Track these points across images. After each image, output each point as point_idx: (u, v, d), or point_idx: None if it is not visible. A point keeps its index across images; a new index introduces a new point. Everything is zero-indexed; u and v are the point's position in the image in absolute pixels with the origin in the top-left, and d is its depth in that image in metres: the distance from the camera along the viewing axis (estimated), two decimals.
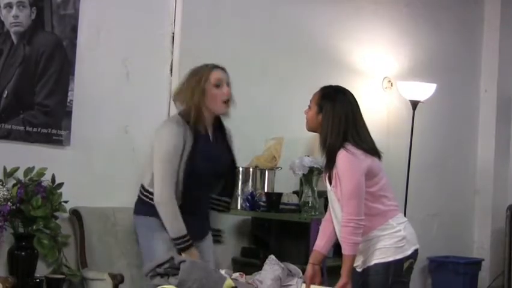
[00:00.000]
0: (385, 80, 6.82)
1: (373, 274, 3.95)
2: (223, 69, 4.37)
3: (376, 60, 7.04)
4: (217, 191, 4.55)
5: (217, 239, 4.61)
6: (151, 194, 4.36)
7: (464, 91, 8.36)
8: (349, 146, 3.88)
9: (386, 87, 6.68)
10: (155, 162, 4.31)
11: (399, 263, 3.89)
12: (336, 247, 5.77)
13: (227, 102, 4.32)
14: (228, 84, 4.33)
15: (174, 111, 5.44)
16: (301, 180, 4.96)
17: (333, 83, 6.62)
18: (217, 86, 4.28)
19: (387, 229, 3.92)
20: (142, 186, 4.48)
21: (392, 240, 3.91)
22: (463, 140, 8.20)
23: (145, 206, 4.37)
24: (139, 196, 4.49)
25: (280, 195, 5.03)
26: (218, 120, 4.49)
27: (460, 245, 7.79)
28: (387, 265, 3.90)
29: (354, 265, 3.99)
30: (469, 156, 8.41)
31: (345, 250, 3.90)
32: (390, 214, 3.93)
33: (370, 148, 3.96)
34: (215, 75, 4.29)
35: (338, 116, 3.95)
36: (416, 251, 3.94)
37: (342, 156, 3.87)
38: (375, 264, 3.94)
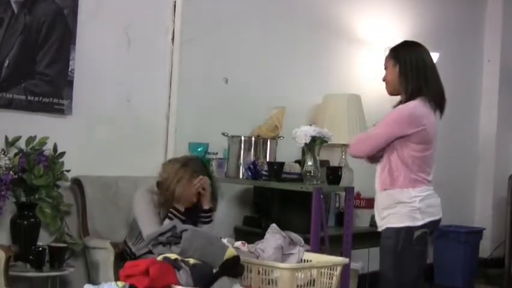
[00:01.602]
0: (387, 49, 6.73)
1: (385, 237, 4.06)
2: (210, 175, 4.56)
3: (378, 30, 7.01)
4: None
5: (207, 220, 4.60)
6: (131, 251, 4.50)
7: (467, 61, 8.34)
8: (420, 104, 3.95)
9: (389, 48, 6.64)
10: (138, 219, 4.44)
11: (409, 230, 3.96)
12: (337, 217, 5.84)
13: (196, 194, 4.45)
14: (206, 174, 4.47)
15: (175, 78, 5.45)
16: (303, 149, 4.94)
17: (335, 53, 6.69)
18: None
19: (405, 197, 3.97)
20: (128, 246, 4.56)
21: (406, 209, 3.97)
22: (465, 110, 8.20)
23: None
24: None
25: (282, 164, 5.02)
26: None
27: (462, 214, 7.81)
28: (397, 230, 3.99)
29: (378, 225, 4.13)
30: (471, 126, 8.42)
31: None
32: (414, 184, 3.98)
33: (437, 103, 4.02)
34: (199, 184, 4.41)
35: (413, 65, 4.02)
36: (431, 223, 3.98)
37: (405, 107, 3.96)
38: (387, 228, 4.05)
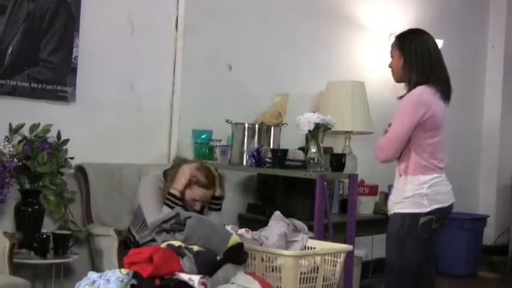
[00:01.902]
0: (391, 36, 6.68)
1: (391, 222, 4.06)
2: (209, 180, 4.39)
3: (382, 16, 6.99)
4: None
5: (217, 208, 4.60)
6: (135, 239, 4.49)
7: (471, 47, 8.32)
8: (426, 90, 3.94)
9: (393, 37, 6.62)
10: (142, 206, 4.43)
11: (415, 216, 3.94)
12: (341, 204, 5.85)
13: (198, 201, 4.36)
14: (205, 186, 4.34)
15: (179, 66, 5.44)
16: (307, 136, 4.92)
17: (338, 40, 6.67)
18: (189, 186, 4.32)
19: (415, 183, 3.97)
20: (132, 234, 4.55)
21: (414, 194, 3.96)
22: (470, 97, 8.19)
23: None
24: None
25: (285, 151, 5.01)
26: None
27: (466, 201, 7.81)
28: (403, 216, 3.98)
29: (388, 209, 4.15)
30: (475, 114, 8.41)
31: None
32: (425, 171, 3.97)
33: (443, 91, 4.01)
34: (196, 192, 4.33)
35: (418, 54, 3.99)
36: (439, 210, 3.96)
37: (413, 95, 3.96)
38: (394, 214, 4.05)
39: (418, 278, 4.01)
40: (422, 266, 4.02)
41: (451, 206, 4.07)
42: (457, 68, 7.52)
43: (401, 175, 4.05)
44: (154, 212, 4.29)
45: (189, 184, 4.32)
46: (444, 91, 3.99)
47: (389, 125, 4.10)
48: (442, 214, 4.00)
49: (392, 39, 4.21)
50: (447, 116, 4.06)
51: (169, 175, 4.45)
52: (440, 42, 6.47)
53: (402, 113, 3.98)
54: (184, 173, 4.33)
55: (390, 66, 4.14)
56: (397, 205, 4.05)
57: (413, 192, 3.96)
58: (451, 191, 4.07)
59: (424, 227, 3.94)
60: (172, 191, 4.32)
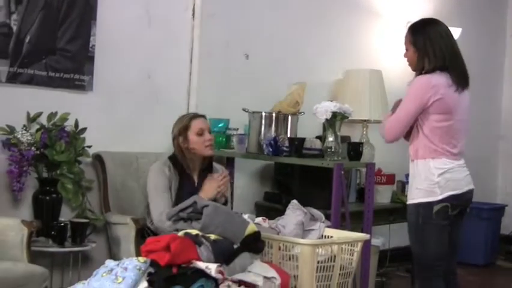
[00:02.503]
0: (408, 24, 6.67)
1: (408, 214, 4.06)
2: (203, 116, 4.66)
3: (399, 4, 6.95)
4: None
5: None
6: (149, 229, 4.49)
7: (490, 36, 8.26)
8: (438, 74, 3.94)
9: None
10: (148, 195, 4.49)
11: (428, 205, 3.94)
12: (358, 193, 5.83)
13: (209, 146, 4.56)
14: (209, 131, 4.61)
15: (196, 55, 5.44)
16: (324, 125, 4.91)
17: (356, 28, 6.64)
18: (200, 134, 4.53)
19: (426, 168, 3.97)
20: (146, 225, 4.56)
21: (425, 184, 3.96)
22: (488, 85, 8.13)
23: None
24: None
25: (303, 140, 5.00)
26: (207, 163, 4.64)
27: (484, 190, 7.76)
28: (417, 206, 3.99)
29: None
30: (493, 102, 8.36)
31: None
32: (434, 155, 3.97)
33: (460, 80, 3.99)
34: (196, 124, 4.55)
35: (430, 44, 3.98)
36: (452, 197, 3.95)
37: (421, 77, 3.98)
38: (409, 205, 4.06)
39: (441, 267, 4.01)
40: (445, 254, 4.02)
41: (468, 193, 4.05)
42: (475, 57, 7.52)
43: (412, 160, 4.06)
44: (161, 202, 4.36)
45: (199, 134, 4.51)
46: (460, 78, 3.97)
47: (395, 104, 4.13)
48: (458, 201, 3.99)
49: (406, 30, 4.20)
50: (465, 103, 4.03)
51: (174, 143, 4.55)
52: (458, 31, 6.49)
53: (410, 93, 4.00)
54: (193, 130, 4.51)
55: (405, 56, 4.13)
56: (410, 195, 4.06)
57: (425, 181, 3.96)
58: (467, 178, 4.06)
59: (440, 215, 3.94)
60: (189, 171, 4.50)
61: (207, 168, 4.62)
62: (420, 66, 4.01)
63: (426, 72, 3.95)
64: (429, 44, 3.97)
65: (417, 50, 4.01)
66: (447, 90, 3.92)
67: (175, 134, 4.55)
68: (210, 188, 4.45)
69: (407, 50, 4.11)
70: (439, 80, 3.91)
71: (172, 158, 4.55)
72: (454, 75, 3.94)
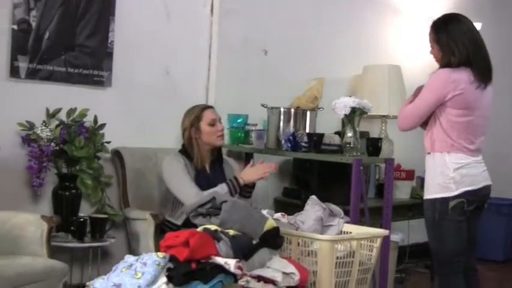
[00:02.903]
0: (429, 19, 6.62)
1: (425, 209, 4.06)
2: (212, 107, 4.74)
3: (420, 0, 6.91)
4: None
5: (248, 195, 4.66)
6: (170, 223, 4.51)
7: (510, 30, 8.18)
8: (460, 69, 3.92)
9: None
10: (169, 185, 4.52)
11: (444, 201, 3.94)
12: (377, 188, 5.81)
13: (221, 136, 4.63)
14: (220, 121, 4.68)
15: (214, 50, 5.43)
16: (343, 120, 4.89)
17: (375, 23, 6.60)
18: (212, 124, 4.60)
19: (441, 163, 3.96)
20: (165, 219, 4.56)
21: (441, 178, 3.95)
22: (507, 80, 8.06)
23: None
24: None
25: (321, 135, 4.98)
26: (217, 153, 4.72)
27: (504, 186, 7.70)
28: (433, 202, 3.99)
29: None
30: None
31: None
32: (450, 149, 3.96)
33: (484, 74, 3.97)
34: (208, 115, 4.62)
35: (454, 39, 3.96)
36: (468, 192, 3.93)
37: (442, 70, 3.96)
38: (425, 200, 4.06)
39: (460, 263, 3.99)
40: (463, 250, 4.00)
41: (485, 189, 4.04)
42: (495, 51, 7.45)
43: (428, 153, 4.05)
44: (186, 183, 4.41)
45: (211, 125, 4.59)
46: (484, 73, 3.95)
47: (417, 90, 4.12)
48: (474, 196, 3.97)
49: (429, 23, 4.17)
50: (487, 99, 4.01)
51: (184, 136, 4.60)
52: (477, 26, 6.41)
53: (430, 85, 3.99)
54: (205, 121, 4.58)
55: (431, 53, 4.12)
56: (426, 190, 4.06)
57: (440, 176, 3.95)
58: (484, 173, 4.04)
59: (456, 210, 3.93)
60: (202, 161, 4.58)
61: (217, 158, 4.68)
62: (445, 63, 3.98)
63: (451, 67, 3.93)
64: (452, 41, 3.95)
65: (441, 47, 3.99)
66: (468, 86, 3.90)
67: (186, 125, 4.60)
68: (253, 172, 4.52)
69: (432, 47, 4.09)
70: (460, 75, 3.89)
71: (183, 151, 4.60)
72: (477, 70, 3.92)
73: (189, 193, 4.34)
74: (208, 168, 4.63)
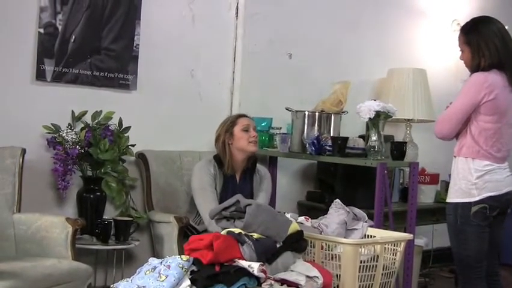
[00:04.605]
0: (454, 22, 6.68)
1: (447, 214, 4.04)
2: (248, 116, 4.73)
3: (445, 2, 6.86)
4: None
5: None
6: (193, 228, 4.52)
7: None
8: (495, 72, 3.88)
9: (455, 30, 6.50)
10: (193, 194, 4.53)
11: (466, 206, 3.91)
12: (402, 192, 5.76)
13: (254, 142, 4.61)
14: (254, 129, 4.68)
15: (239, 53, 5.45)
16: (367, 124, 4.86)
17: (400, 26, 6.56)
18: (245, 130, 4.60)
19: (465, 168, 3.93)
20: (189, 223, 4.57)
21: (463, 183, 3.93)
22: None
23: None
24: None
25: (346, 139, 4.96)
26: (251, 163, 4.70)
27: None
28: (455, 207, 3.97)
29: None
30: None
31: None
32: (476, 155, 3.92)
33: None
34: (242, 121, 4.64)
35: (484, 43, 3.92)
36: (490, 198, 3.90)
37: (477, 74, 3.90)
38: (448, 204, 4.03)
39: (482, 268, 3.96)
40: (485, 255, 3.97)
41: (508, 194, 3.98)
42: None
43: (455, 156, 4.02)
44: (205, 201, 4.40)
45: (245, 130, 4.60)
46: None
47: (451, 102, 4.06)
48: (497, 202, 3.93)
49: (455, 26, 4.13)
50: None
51: (218, 142, 4.61)
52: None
53: (465, 89, 3.93)
54: (239, 126, 4.59)
55: (461, 58, 4.07)
56: (449, 193, 4.03)
57: (462, 181, 3.92)
58: (508, 179, 3.99)
59: (478, 215, 3.90)
60: (234, 165, 4.60)
61: (249, 169, 4.64)
62: (475, 66, 3.93)
63: (483, 70, 3.89)
64: (483, 43, 3.90)
65: (472, 49, 3.94)
66: (501, 91, 3.86)
67: (221, 131, 4.60)
68: None
69: (462, 51, 4.03)
70: (495, 79, 3.84)
71: (217, 157, 4.58)
72: (510, 73, 3.89)
73: (205, 216, 4.30)
74: (238, 177, 4.62)
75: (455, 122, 3.93)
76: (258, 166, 4.74)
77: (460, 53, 4.08)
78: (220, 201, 4.30)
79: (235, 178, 4.60)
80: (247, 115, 4.72)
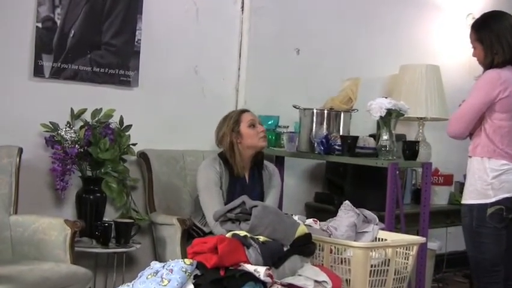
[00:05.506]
0: (469, 16, 6.57)
1: (462, 216, 4.06)
2: (249, 110, 4.66)
3: None
4: None
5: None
6: (198, 228, 4.48)
7: None
8: (508, 68, 3.89)
9: (469, 25, 6.42)
10: (199, 194, 4.47)
11: (482, 207, 3.91)
12: (414, 194, 5.72)
13: (263, 137, 4.57)
14: (260, 123, 4.62)
15: (245, 49, 5.41)
16: (378, 123, 4.86)
17: (412, 21, 6.51)
18: (252, 126, 4.53)
19: (481, 168, 3.92)
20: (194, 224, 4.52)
21: (479, 184, 3.92)
22: None
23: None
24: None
25: (356, 138, 4.93)
26: (258, 159, 4.62)
27: None
28: (470, 208, 3.98)
29: None
30: None
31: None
32: (491, 154, 3.91)
33: None
34: (247, 117, 4.56)
35: (496, 38, 3.92)
36: (507, 199, 3.89)
37: (490, 71, 3.90)
38: (463, 206, 4.04)
39: (499, 272, 3.96)
40: (502, 259, 3.97)
41: None
42: None
43: (470, 156, 4.01)
44: (213, 201, 4.33)
45: (251, 127, 4.51)
46: None
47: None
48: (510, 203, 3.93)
49: (470, 20, 4.13)
50: None
51: (223, 141, 4.52)
52: None
53: (478, 87, 3.92)
54: (245, 123, 4.50)
55: (474, 55, 4.06)
56: (464, 195, 4.03)
57: (478, 181, 3.92)
58: None
59: (494, 217, 3.90)
60: (240, 165, 4.50)
61: (257, 165, 4.58)
62: (489, 63, 3.93)
63: (496, 67, 3.87)
64: (495, 39, 3.90)
65: (484, 46, 3.94)
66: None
67: (226, 131, 4.50)
68: None
69: (474, 48, 4.03)
70: (509, 76, 3.85)
71: (222, 155, 4.51)
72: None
73: (210, 218, 4.23)
74: (247, 176, 4.55)
75: (468, 121, 3.93)
76: (265, 162, 4.68)
77: (472, 49, 4.08)
78: (229, 200, 4.23)
79: (245, 179, 4.53)
80: (247, 110, 4.65)
